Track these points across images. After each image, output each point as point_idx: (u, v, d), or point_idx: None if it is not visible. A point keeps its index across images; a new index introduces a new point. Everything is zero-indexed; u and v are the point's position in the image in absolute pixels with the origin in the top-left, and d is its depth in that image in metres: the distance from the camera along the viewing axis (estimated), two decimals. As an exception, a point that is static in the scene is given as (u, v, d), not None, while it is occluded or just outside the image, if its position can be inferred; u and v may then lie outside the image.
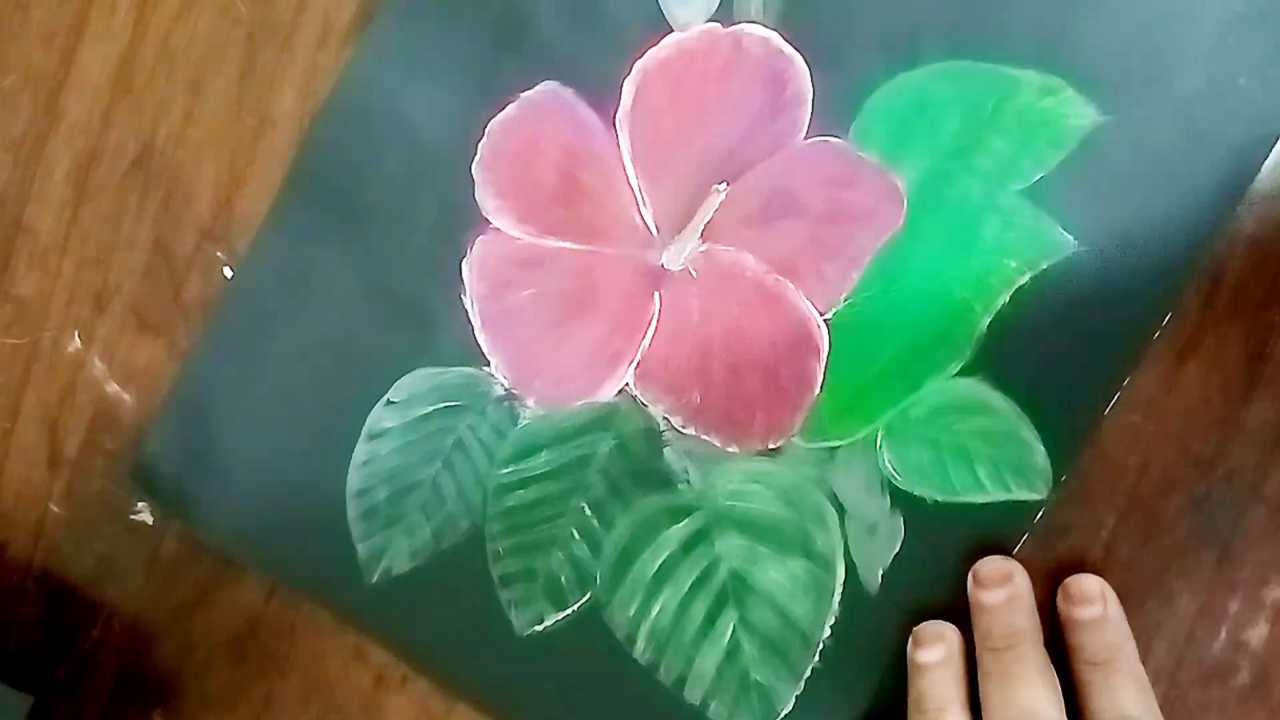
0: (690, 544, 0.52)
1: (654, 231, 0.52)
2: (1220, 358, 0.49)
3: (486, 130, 0.52)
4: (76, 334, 0.57)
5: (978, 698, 0.47)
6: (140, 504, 0.57)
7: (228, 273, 0.56)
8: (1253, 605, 0.49)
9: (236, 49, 0.55)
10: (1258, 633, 0.49)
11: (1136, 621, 0.49)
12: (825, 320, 0.50)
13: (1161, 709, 0.48)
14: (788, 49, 0.50)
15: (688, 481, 0.52)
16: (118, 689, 0.59)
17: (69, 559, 0.59)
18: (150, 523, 0.57)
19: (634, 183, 0.51)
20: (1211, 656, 0.49)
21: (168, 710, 0.58)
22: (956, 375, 0.49)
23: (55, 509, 0.58)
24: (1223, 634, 0.49)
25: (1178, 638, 0.49)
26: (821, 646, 0.51)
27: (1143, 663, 0.48)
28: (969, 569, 0.50)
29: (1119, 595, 0.49)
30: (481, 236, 0.53)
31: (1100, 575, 0.49)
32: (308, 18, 0.55)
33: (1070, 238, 0.48)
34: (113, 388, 0.57)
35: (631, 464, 0.52)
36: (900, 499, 0.50)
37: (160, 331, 0.57)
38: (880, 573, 0.50)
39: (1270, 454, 0.49)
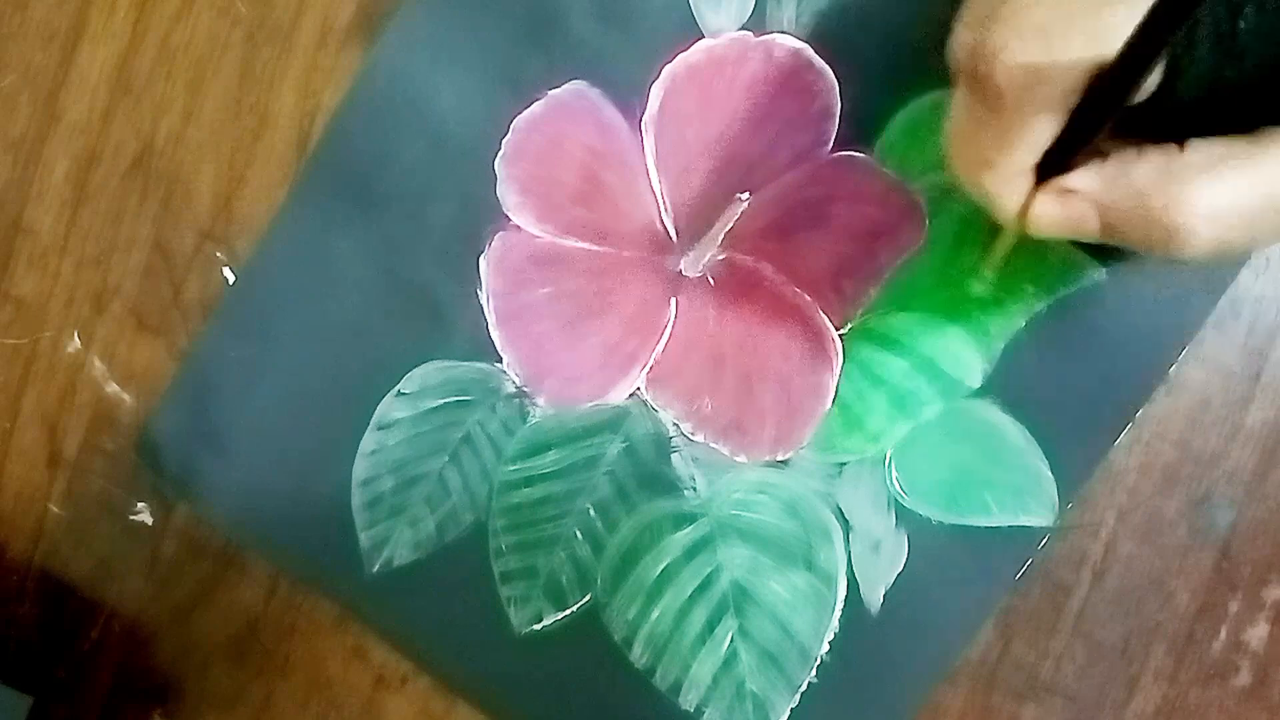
0: (693, 551, 0.52)
1: (673, 237, 0.52)
2: (1220, 358, 0.49)
3: (511, 126, 0.52)
4: (76, 334, 0.57)
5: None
6: (140, 504, 0.57)
7: (228, 273, 0.56)
8: (1253, 605, 0.49)
9: (236, 49, 0.55)
10: (1258, 633, 0.49)
11: (1136, 621, 0.49)
12: (840, 335, 0.50)
13: (1161, 709, 0.49)
14: (818, 61, 0.50)
15: (694, 488, 0.52)
16: (118, 689, 0.58)
17: (69, 559, 0.58)
18: (150, 523, 0.57)
19: (656, 187, 0.51)
20: (1211, 656, 0.49)
21: (168, 710, 0.58)
22: (969, 397, 0.49)
23: (55, 509, 0.58)
24: (1223, 634, 0.49)
25: (1178, 638, 0.49)
26: (819, 661, 0.51)
27: (1143, 663, 0.49)
28: (972, 594, 0.50)
29: (1119, 595, 0.49)
30: (500, 232, 0.53)
31: (1100, 575, 0.50)
32: (308, 18, 0.55)
33: (1095, 264, 0.48)
34: (112, 388, 0.57)
35: (639, 468, 0.52)
36: (906, 518, 0.50)
37: (160, 331, 0.57)
38: (882, 591, 0.50)
39: (1270, 454, 0.49)
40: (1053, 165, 0.38)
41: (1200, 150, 0.36)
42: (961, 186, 0.41)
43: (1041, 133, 0.37)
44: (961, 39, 0.38)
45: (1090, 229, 0.38)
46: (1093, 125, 0.37)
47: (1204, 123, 0.36)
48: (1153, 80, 0.36)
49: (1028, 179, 0.38)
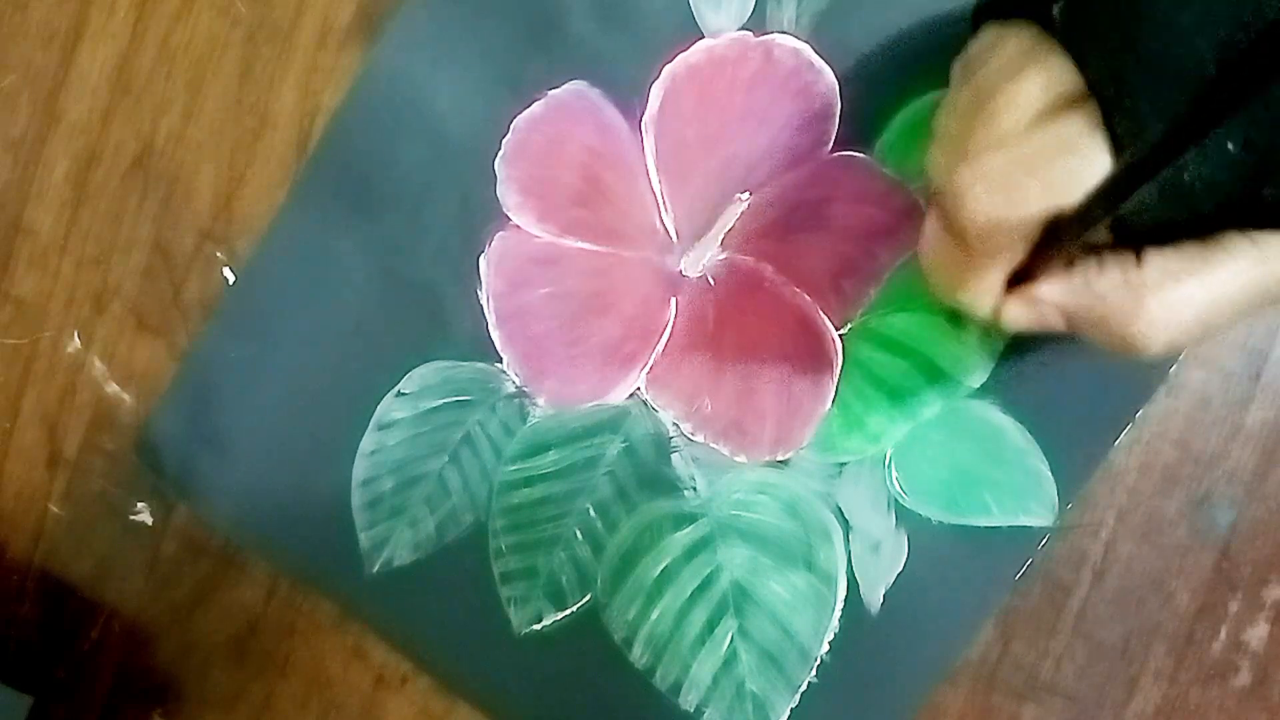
0: (693, 551, 0.52)
1: (674, 237, 0.52)
2: (1220, 358, 0.49)
3: (512, 126, 0.52)
4: (76, 334, 0.57)
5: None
6: (140, 504, 0.57)
7: (228, 273, 0.56)
8: (1253, 605, 0.49)
9: (236, 49, 0.55)
10: (1258, 633, 0.49)
11: (1136, 621, 0.49)
12: (840, 335, 0.50)
13: (1161, 709, 0.49)
14: (818, 61, 0.50)
15: (694, 488, 0.52)
16: (118, 689, 0.58)
17: (69, 559, 0.58)
18: (150, 523, 0.57)
19: (656, 187, 0.51)
20: (1211, 656, 0.49)
21: (168, 710, 0.58)
22: (969, 397, 0.49)
23: (55, 509, 0.58)
24: (1223, 634, 0.49)
25: (1178, 638, 0.49)
26: (819, 661, 0.51)
27: (1143, 663, 0.49)
28: (972, 594, 0.50)
29: (1119, 595, 0.49)
30: (500, 232, 0.53)
31: (1100, 575, 0.50)
32: (308, 18, 0.55)
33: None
34: (112, 388, 0.57)
35: (639, 468, 0.52)
36: (906, 518, 0.50)
37: (160, 331, 0.57)
38: (882, 592, 0.50)
39: (1270, 454, 0.49)
40: (1020, 275, 0.40)
41: (1155, 265, 0.37)
42: (939, 297, 0.43)
43: (1005, 263, 0.39)
44: (933, 159, 0.41)
45: (1058, 328, 0.40)
46: (1049, 258, 0.39)
47: (1160, 233, 0.38)
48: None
49: (999, 287, 0.41)
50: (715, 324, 0.51)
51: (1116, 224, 0.38)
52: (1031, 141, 0.37)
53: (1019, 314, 0.40)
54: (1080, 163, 0.35)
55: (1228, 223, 0.37)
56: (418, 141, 0.53)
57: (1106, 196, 0.35)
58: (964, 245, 0.40)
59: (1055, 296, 0.39)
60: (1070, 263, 0.39)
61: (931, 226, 0.42)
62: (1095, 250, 0.39)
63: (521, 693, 0.54)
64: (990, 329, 0.48)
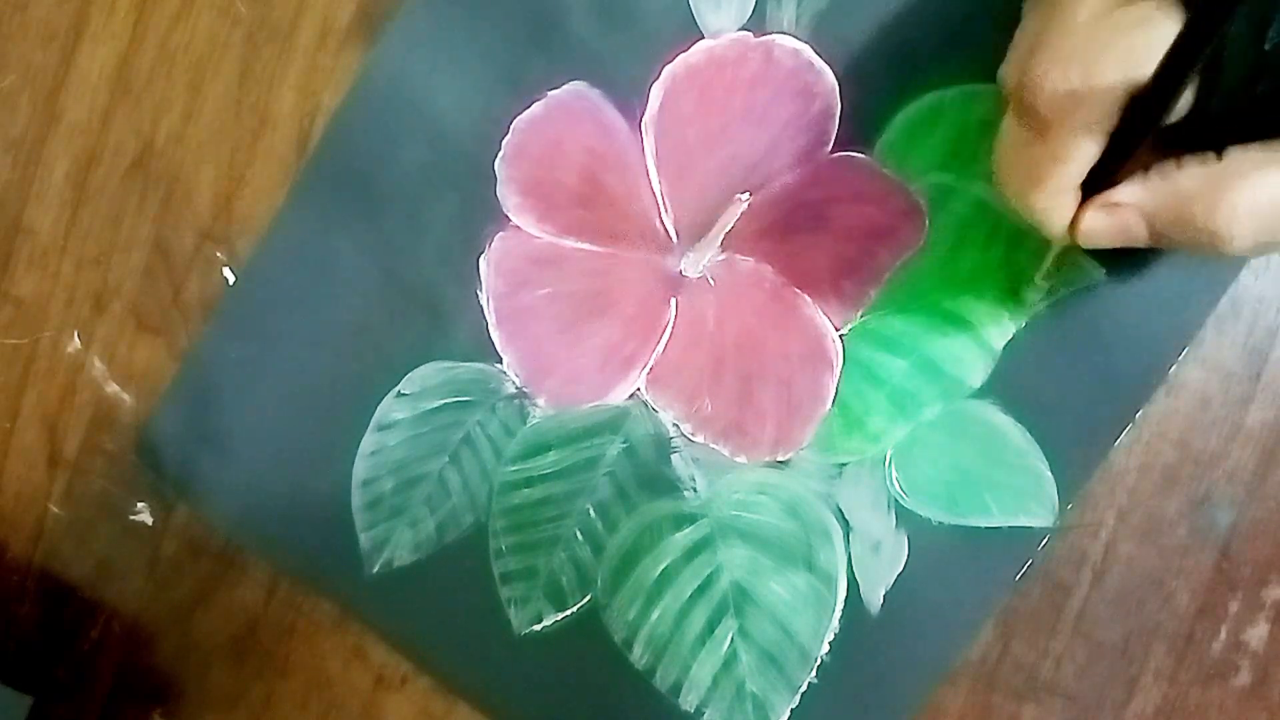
0: (693, 552, 0.52)
1: (674, 237, 0.52)
2: (1220, 358, 0.49)
3: (512, 127, 0.52)
4: (76, 334, 0.57)
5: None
6: (140, 504, 0.57)
7: (228, 273, 0.56)
8: (1253, 605, 0.49)
9: (236, 49, 0.55)
10: (1258, 633, 0.49)
11: (1137, 621, 0.49)
12: (840, 335, 0.50)
13: (1161, 709, 0.49)
14: (818, 62, 0.50)
15: (694, 489, 0.52)
16: (118, 689, 0.58)
17: (69, 559, 0.58)
18: (150, 523, 0.57)
19: (656, 187, 0.51)
20: (1211, 656, 0.49)
21: (168, 710, 0.58)
22: (969, 398, 0.49)
23: (55, 509, 0.58)
24: (1223, 634, 0.49)
25: (1178, 638, 0.49)
26: (819, 662, 0.51)
27: (1143, 663, 0.49)
28: (972, 595, 0.50)
29: (1119, 595, 0.49)
30: (500, 233, 0.52)
31: (1100, 575, 0.50)
32: (308, 18, 0.55)
33: (1096, 266, 0.48)
34: (112, 388, 0.57)
35: (639, 469, 0.52)
36: (906, 519, 0.50)
37: (160, 332, 0.57)
38: (882, 592, 0.50)
39: (1270, 454, 0.49)
40: (1098, 182, 0.40)
41: (1237, 157, 0.37)
42: (1011, 205, 0.42)
43: (1085, 152, 0.39)
44: (1009, 68, 0.41)
45: (1137, 236, 0.40)
46: (1133, 143, 0.38)
47: (1240, 133, 0.37)
48: (1186, 99, 0.37)
49: (1074, 196, 0.40)
50: (715, 325, 0.51)
51: (1203, 118, 0.38)
52: (1107, 21, 0.37)
53: (1097, 224, 0.40)
54: (1156, 35, 0.35)
55: None
56: (418, 141, 0.53)
57: (1178, 53, 0.34)
58: (1042, 135, 0.39)
59: (1134, 198, 0.39)
60: (1147, 168, 0.39)
61: (1007, 125, 0.42)
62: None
63: (521, 693, 0.54)
64: (1047, 277, 0.48)
